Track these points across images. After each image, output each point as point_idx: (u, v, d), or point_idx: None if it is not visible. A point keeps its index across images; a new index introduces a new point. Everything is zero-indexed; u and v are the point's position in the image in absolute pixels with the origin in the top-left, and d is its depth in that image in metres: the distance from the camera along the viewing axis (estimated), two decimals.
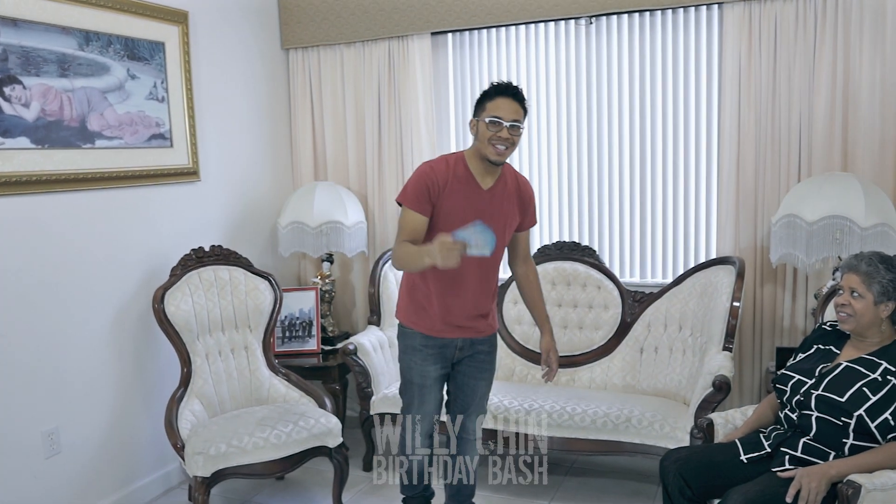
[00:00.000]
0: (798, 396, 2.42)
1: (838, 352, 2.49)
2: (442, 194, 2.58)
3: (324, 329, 4.04)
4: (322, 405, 3.37)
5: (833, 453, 2.30)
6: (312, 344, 3.94)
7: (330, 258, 4.06)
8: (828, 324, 2.63)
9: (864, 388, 2.30)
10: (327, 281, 4.07)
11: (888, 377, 2.30)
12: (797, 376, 2.48)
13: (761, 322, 3.54)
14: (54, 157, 3.00)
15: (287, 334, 3.94)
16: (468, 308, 2.73)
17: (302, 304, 3.99)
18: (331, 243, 3.92)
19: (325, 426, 3.15)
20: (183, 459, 3.01)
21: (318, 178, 4.32)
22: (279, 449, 3.03)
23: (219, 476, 2.94)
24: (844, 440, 2.30)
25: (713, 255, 3.69)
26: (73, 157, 3.08)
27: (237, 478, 3.01)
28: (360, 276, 4.29)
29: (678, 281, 3.63)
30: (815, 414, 2.35)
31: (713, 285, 3.42)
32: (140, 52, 3.38)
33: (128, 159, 3.33)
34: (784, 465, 2.33)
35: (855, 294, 2.39)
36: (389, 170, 4.12)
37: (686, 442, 3.04)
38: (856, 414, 2.27)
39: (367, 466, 3.71)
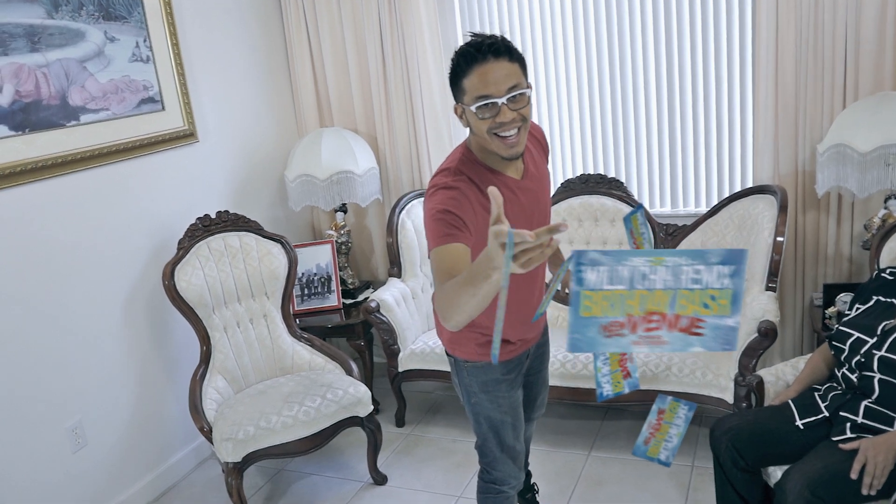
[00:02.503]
0: (858, 357, 2.24)
1: None
2: (479, 217, 1.84)
3: (343, 282, 3.90)
4: (349, 371, 3.26)
5: None
6: (333, 299, 3.80)
7: (343, 208, 3.86)
8: (888, 271, 2.41)
9: None
10: (342, 232, 3.89)
11: None
12: (856, 334, 2.29)
13: (804, 251, 3.33)
14: (36, 141, 2.78)
15: (306, 292, 3.80)
16: (535, 302, 2.15)
17: (318, 258, 3.83)
18: (343, 194, 3.71)
19: (353, 396, 3.05)
20: (211, 443, 2.94)
21: (324, 123, 4.06)
22: (309, 426, 2.94)
23: (250, 459, 2.87)
24: None
25: (749, 183, 3.44)
26: (57, 139, 2.86)
27: (269, 458, 2.94)
28: (377, 221, 4.10)
29: (713, 212, 3.40)
30: (878, 376, 2.18)
31: (752, 217, 3.19)
32: (116, 10, 3.09)
33: (118, 131, 3.10)
34: (845, 432, 2.18)
35: None
36: (398, 108, 3.84)
37: (730, 390, 2.91)
38: None
39: (400, 422, 3.65)
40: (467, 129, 1.94)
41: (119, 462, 3.12)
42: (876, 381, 2.18)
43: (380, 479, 3.21)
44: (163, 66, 3.30)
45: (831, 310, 2.93)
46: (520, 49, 1.85)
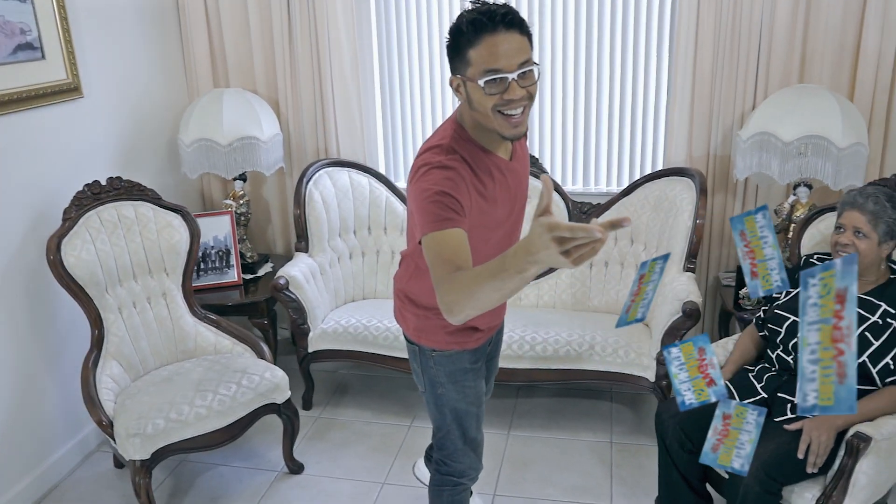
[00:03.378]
0: (795, 339, 2.34)
1: None
2: (474, 198, 1.74)
3: (242, 256, 3.61)
4: (260, 354, 3.04)
5: None
6: (232, 275, 3.52)
7: (243, 176, 3.56)
8: (815, 257, 2.53)
9: (866, 333, 2.24)
10: (242, 202, 3.60)
11: (888, 320, 2.25)
12: (792, 317, 2.39)
13: (710, 233, 3.46)
14: None
15: (202, 266, 3.49)
16: None
17: (216, 230, 3.52)
18: (245, 161, 3.41)
19: (270, 382, 2.84)
20: (112, 439, 2.63)
21: (218, 84, 3.71)
22: (224, 416, 2.71)
23: (159, 455, 2.60)
24: None
25: (660, 165, 3.52)
26: None
27: (180, 453, 2.68)
28: (275, 191, 3.83)
29: (627, 192, 3.45)
30: None
31: (670, 199, 3.26)
32: None
33: None
34: (786, 413, 2.29)
35: (859, 234, 2.28)
36: (304, 70, 3.57)
37: (652, 368, 2.98)
38: (858, 361, 2.22)
39: (307, 405, 3.46)
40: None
41: None
42: None
43: (296, 467, 3.02)
44: (43, 6, 2.86)
45: (745, 290, 3.06)
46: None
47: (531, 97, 1.69)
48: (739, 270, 3.16)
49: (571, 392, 3.51)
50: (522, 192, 1.96)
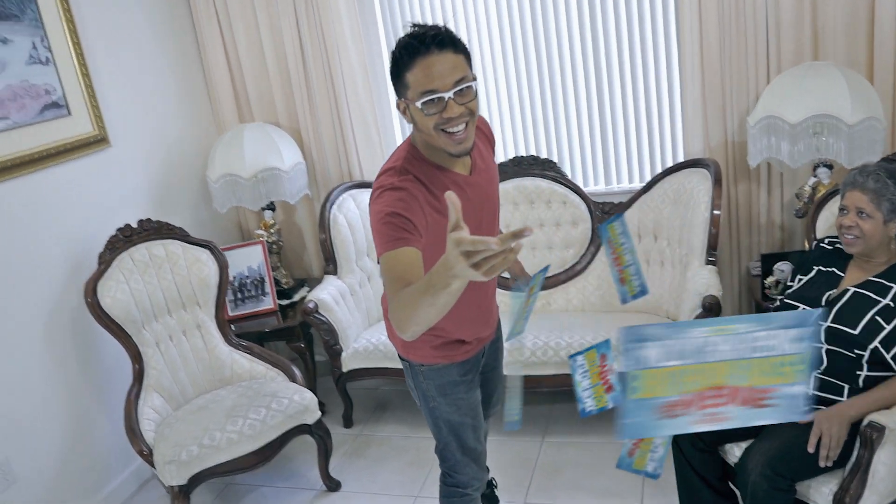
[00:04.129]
0: None
1: (842, 274, 2.32)
2: (429, 218, 1.76)
3: (277, 282, 3.75)
4: (292, 377, 3.15)
5: (847, 386, 2.18)
6: (268, 302, 3.66)
7: (271, 206, 3.70)
8: (826, 241, 2.45)
9: (877, 318, 2.15)
10: (272, 231, 3.74)
11: None
12: (801, 306, 2.32)
13: (737, 222, 3.37)
14: None
15: (239, 296, 3.64)
16: (489, 300, 2.15)
17: (249, 260, 3.67)
18: (270, 192, 3.55)
19: (299, 404, 2.94)
20: (153, 466, 2.78)
21: (244, 119, 3.87)
22: (255, 440, 2.82)
23: (196, 480, 2.74)
24: (858, 372, 2.17)
25: (681, 157, 3.46)
26: None
27: (216, 477, 2.81)
28: (307, 217, 3.95)
29: (647, 188, 3.41)
30: (826, 347, 2.20)
31: (688, 192, 3.21)
32: (6, 8, 2.84)
33: (20, 140, 2.86)
34: None
35: (863, 214, 2.19)
36: (321, 98, 3.69)
37: None
38: (870, 347, 2.13)
39: (348, 423, 3.56)
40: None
41: (54, 495, 2.92)
42: (824, 351, 2.21)
43: (333, 485, 3.11)
44: (65, 67, 3.06)
45: (770, 279, 2.98)
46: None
47: (472, 113, 1.73)
48: (764, 259, 3.08)
49: None
50: (490, 205, 1.99)
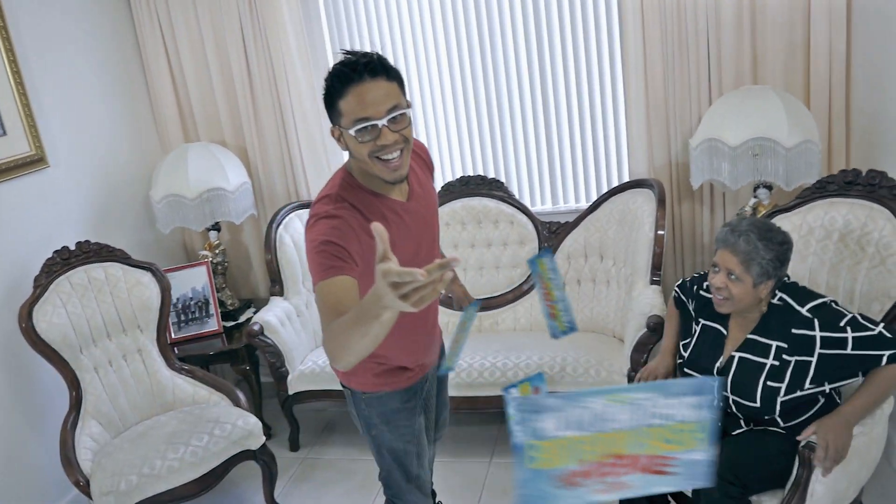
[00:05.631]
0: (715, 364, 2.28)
1: (725, 332, 2.28)
2: (365, 245, 1.72)
3: (222, 304, 3.69)
4: (236, 401, 3.09)
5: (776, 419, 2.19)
6: (213, 324, 3.59)
7: (216, 226, 3.64)
8: (705, 286, 2.38)
9: (769, 383, 2.13)
10: (217, 251, 3.68)
11: (784, 356, 2.12)
12: (699, 376, 2.28)
13: (681, 241, 3.43)
14: None
15: (182, 318, 3.57)
16: (431, 325, 2.13)
17: (193, 281, 3.60)
18: (215, 212, 3.49)
19: (243, 429, 2.88)
20: (90, 497, 2.69)
21: (189, 138, 3.81)
22: (197, 467, 2.76)
23: None
24: (780, 426, 2.20)
25: (626, 177, 3.51)
26: None
27: None
28: (253, 237, 3.90)
29: (593, 208, 3.45)
30: (739, 413, 2.23)
31: (632, 212, 3.25)
32: None
33: None
34: (741, 426, 2.24)
35: (732, 276, 2.12)
36: (267, 117, 3.65)
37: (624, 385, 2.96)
38: (777, 410, 2.13)
39: (295, 446, 3.50)
40: (346, 154, 1.83)
41: None
42: (738, 411, 2.23)
43: None
44: None
45: None
46: (390, 57, 1.72)
47: (406, 140, 1.72)
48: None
49: None
50: (429, 230, 1.98)
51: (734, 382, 2.19)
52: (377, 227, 1.25)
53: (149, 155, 3.77)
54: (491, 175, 3.68)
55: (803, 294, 2.19)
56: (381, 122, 1.66)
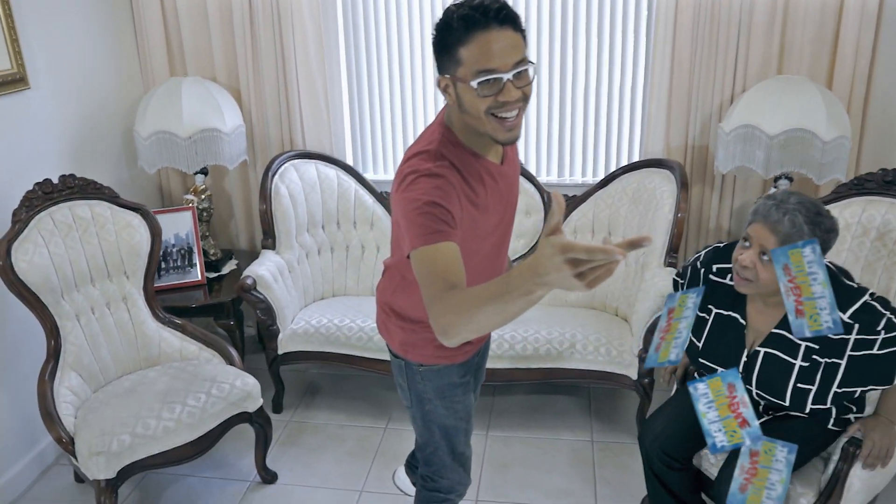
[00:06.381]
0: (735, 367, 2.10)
1: (743, 321, 2.11)
2: (465, 207, 1.62)
3: (205, 253, 3.45)
4: (229, 360, 2.89)
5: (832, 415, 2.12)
6: (195, 274, 3.35)
7: (204, 170, 3.38)
8: (715, 269, 2.19)
9: (800, 385, 2.00)
10: (203, 197, 3.42)
11: (813, 356, 1.98)
12: (720, 368, 2.09)
13: (687, 224, 3.40)
14: None
15: (163, 266, 3.31)
16: None
17: (177, 227, 3.34)
18: (208, 155, 3.23)
19: (242, 390, 2.70)
20: (74, 456, 2.47)
21: (176, 73, 3.51)
22: (194, 429, 2.57)
23: (126, 472, 2.45)
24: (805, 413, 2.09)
25: (636, 156, 3.45)
26: None
27: (147, 470, 2.53)
28: (238, 184, 3.65)
29: (604, 183, 3.38)
30: (763, 402, 2.10)
31: (648, 192, 3.20)
32: None
33: None
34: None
35: (764, 257, 1.92)
36: (267, 58, 3.40)
37: (634, 366, 2.93)
38: (807, 408, 2.02)
39: (278, 408, 3.33)
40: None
41: None
42: (764, 406, 2.13)
43: (269, 477, 2.89)
44: None
45: None
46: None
47: (526, 98, 1.58)
48: None
49: (549, 389, 3.44)
50: (514, 198, 1.86)
51: (760, 379, 2.06)
52: (557, 196, 1.15)
53: (131, 85, 3.46)
54: None
55: (844, 293, 1.96)
56: (507, 76, 1.51)
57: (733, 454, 2.11)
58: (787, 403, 2.03)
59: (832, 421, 2.14)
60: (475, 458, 2.95)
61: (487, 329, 1.34)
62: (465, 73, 1.53)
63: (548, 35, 3.37)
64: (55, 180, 2.76)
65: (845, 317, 1.92)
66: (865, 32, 2.98)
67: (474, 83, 1.52)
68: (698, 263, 2.25)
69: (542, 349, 3.00)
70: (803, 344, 1.99)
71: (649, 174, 3.24)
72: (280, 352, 3.20)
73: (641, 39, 3.31)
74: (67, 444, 2.46)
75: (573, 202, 3.43)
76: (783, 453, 1.46)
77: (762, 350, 2.05)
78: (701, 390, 1.41)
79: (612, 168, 3.48)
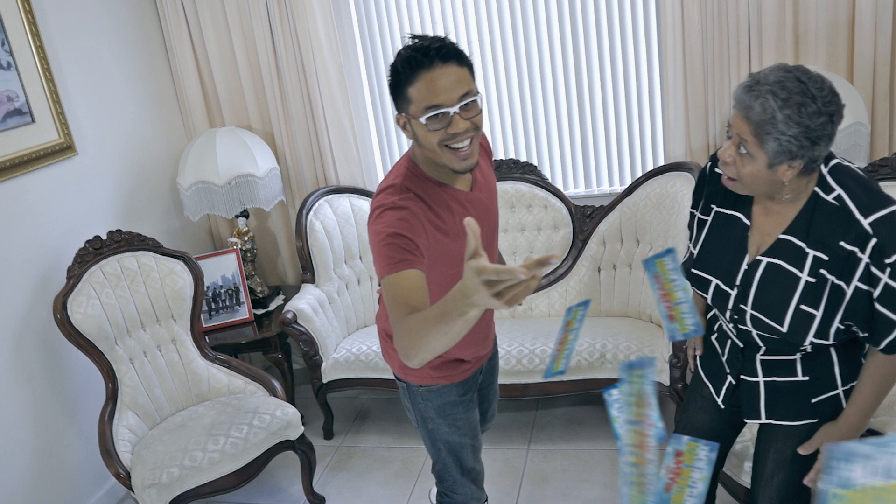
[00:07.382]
0: (728, 311, 1.84)
1: (747, 221, 1.81)
2: (431, 237, 1.71)
3: (252, 291, 3.65)
4: (272, 391, 3.06)
5: (798, 356, 1.82)
6: (243, 312, 3.55)
7: (245, 213, 3.59)
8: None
9: (803, 307, 1.70)
10: (246, 239, 3.63)
11: (820, 270, 1.67)
12: (714, 280, 1.84)
13: None
14: None
15: (213, 306, 3.53)
16: (489, 317, 2.11)
17: (223, 269, 3.55)
18: (244, 198, 3.44)
19: (282, 420, 2.85)
20: (131, 490, 2.67)
21: (214, 123, 3.75)
22: (238, 459, 2.73)
23: (178, 502, 2.64)
24: (802, 348, 1.78)
25: (661, 160, 3.45)
26: None
27: (199, 498, 2.71)
28: (281, 223, 3.85)
29: (629, 191, 3.39)
30: (755, 332, 1.81)
31: (671, 196, 3.19)
32: None
33: None
34: (759, 411, 1.93)
35: (742, 150, 1.62)
36: (294, 101, 3.59)
37: (666, 372, 2.92)
38: (806, 340, 1.73)
39: (329, 435, 3.47)
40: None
41: None
42: (756, 336, 1.83)
43: (317, 500, 3.03)
44: (28, 72, 2.92)
45: None
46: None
47: (477, 128, 1.67)
48: None
49: (592, 399, 3.45)
50: (490, 221, 1.94)
51: (759, 295, 1.76)
52: (470, 223, 1.22)
53: (174, 141, 3.72)
54: (524, 159, 3.63)
55: (871, 196, 1.64)
56: (453, 110, 1.61)
57: (759, 486, 1.98)
58: (784, 330, 1.73)
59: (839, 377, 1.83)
60: (515, 472, 3.02)
61: (440, 349, 1.41)
62: (415, 110, 1.64)
63: (560, 51, 3.43)
64: (104, 236, 3.01)
65: (865, 222, 1.62)
66: (883, 12, 2.90)
67: (423, 119, 1.63)
68: (708, 163, 1.94)
69: (572, 361, 3.03)
70: (812, 254, 1.68)
71: (671, 178, 3.24)
72: (325, 380, 3.35)
73: (654, 46, 3.32)
74: (125, 479, 2.66)
75: (600, 213, 3.45)
76: (705, 451, 1.48)
77: (764, 260, 1.76)
78: (614, 396, 1.45)
79: (639, 174, 3.48)
